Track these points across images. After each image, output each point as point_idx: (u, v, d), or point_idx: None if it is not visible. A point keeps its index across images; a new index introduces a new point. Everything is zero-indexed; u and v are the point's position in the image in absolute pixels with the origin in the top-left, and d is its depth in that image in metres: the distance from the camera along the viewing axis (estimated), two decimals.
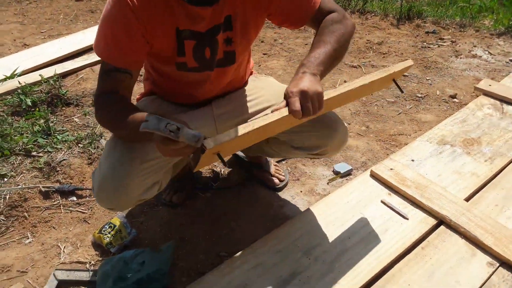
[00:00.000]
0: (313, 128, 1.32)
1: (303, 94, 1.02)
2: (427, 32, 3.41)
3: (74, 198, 1.76)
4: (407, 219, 1.57)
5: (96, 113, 1.19)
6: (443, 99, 2.54)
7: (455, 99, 2.53)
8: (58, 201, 1.74)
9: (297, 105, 1.01)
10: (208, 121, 1.40)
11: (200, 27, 1.18)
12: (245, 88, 1.50)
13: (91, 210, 1.72)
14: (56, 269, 1.43)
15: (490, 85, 2.39)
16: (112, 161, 1.19)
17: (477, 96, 2.38)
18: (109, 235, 1.51)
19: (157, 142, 0.96)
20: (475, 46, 3.20)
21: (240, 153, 1.92)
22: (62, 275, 1.41)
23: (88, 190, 1.79)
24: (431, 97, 2.55)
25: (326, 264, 1.39)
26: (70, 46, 2.93)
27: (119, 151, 1.20)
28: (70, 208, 1.72)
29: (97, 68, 2.72)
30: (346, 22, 1.24)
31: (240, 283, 1.32)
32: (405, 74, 2.79)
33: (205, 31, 1.19)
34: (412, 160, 1.85)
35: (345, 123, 1.40)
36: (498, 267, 1.39)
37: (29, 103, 2.22)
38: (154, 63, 1.31)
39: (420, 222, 1.56)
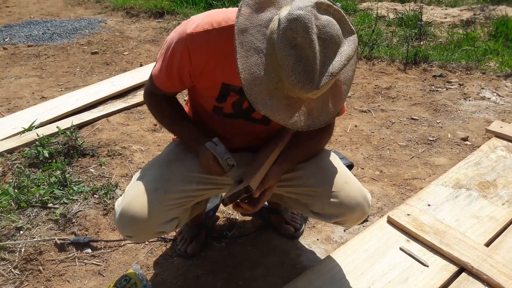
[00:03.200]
0: (336, 197, 1.32)
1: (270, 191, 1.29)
2: (434, 76, 3.46)
3: (89, 250, 1.75)
4: (427, 266, 1.53)
5: (147, 105, 1.44)
6: (455, 142, 2.54)
7: (467, 142, 2.53)
8: (73, 253, 1.74)
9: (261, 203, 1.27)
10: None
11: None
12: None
13: (106, 262, 1.71)
14: None
15: (501, 127, 2.40)
16: (136, 190, 1.29)
17: (489, 138, 2.38)
18: None
19: (206, 155, 1.26)
20: (483, 89, 3.23)
21: None
22: None
23: (103, 242, 1.78)
24: (442, 140, 2.56)
25: None
26: (86, 98, 3.02)
27: (145, 182, 1.31)
28: (85, 261, 1.71)
29: (112, 118, 2.79)
30: (330, 135, 1.43)
31: None
32: (415, 117, 2.82)
33: None
34: (429, 205, 1.84)
35: (368, 197, 1.38)
36: None
37: (46, 155, 2.27)
38: (196, 98, 1.42)
39: (441, 269, 1.52)
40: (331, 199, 1.32)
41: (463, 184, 1.98)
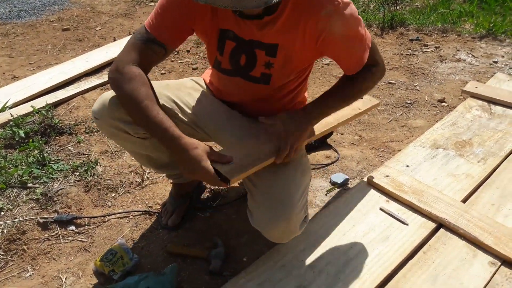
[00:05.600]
0: (263, 211, 1.26)
1: (291, 149, 1.25)
2: (411, 40, 3.48)
3: (73, 227, 1.75)
4: (407, 224, 1.58)
5: (114, 79, 1.25)
6: (432, 103, 2.58)
7: (443, 103, 2.57)
8: (57, 232, 1.73)
9: (282, 156, 1.24)
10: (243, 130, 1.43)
11: (243, 34, 1.26)
12: None
13: (91, 238, 1.71)
14: None
15: (476, 87, 2.44)
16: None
17: (465, 99, 2.43)
18: (111, 262, 1.50)
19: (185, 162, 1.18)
20: (458, 50, 3.26)
21: None
22: None
23: (86, 218, 1.78)
24: (420, 103, 2.59)
25: (331, 276, 1.39)
26: (60, 76, 2.94)
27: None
28: (70, 238, 1.71)
29: (88, 95, 2.74)
30: (377, 78, 1.37)
31: None
32: (393, 82, 2.84)
33: (247, 39, 1.27)
34: (407, 166, 1.88)
35: (298, 213, 1.27)
36: (500, 266, 1.41)
37: (22, 135, 2.22)
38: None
39: (420, 226, 1.57)
40: (260, 208, 1.27)
41: (440, 144, 2.02)
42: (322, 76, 2.97)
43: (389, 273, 1.40)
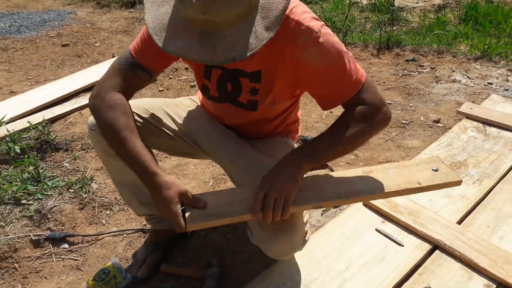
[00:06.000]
0: (268, 231, 1.22)
1: (269, 198, 1.08)
2: (407, 60, 3.52)
3: (66, 245, 1.73)
4: (402, 246, 1.58)
5: (94, 105, 1.21)
6: (427, 124, 2.60)
7: (439, 124, 2.59)
8: (50, 249, 1.71)
9: (257, 209, 1.09)
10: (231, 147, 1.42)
11: (227, 64, 1.20)
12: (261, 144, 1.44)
13: (84, 256, 1.69)
14: None
15: (471, 108, 2.46)
16: None
17: (460, 120, 2.44)
18: (103, 282, 1.48)
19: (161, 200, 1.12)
20: (453, 71, 3.30)
21: None
22: None
23: (80, 237, 1.76)
24: (415, 123, 2.61)
25: None
26: (58, 91, 2.95)
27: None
28: (62, 256, 1.69)
29: (85, 111, 2.74)
30: (374, 120, 1.18)
31: None
32: (388, 102, 2.86)
33: (231, 69, 1.26)
34: None
35: (296, 250, 1.29)
36: None
37: (18, 151, 2.21)
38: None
39: (416, 248, 1.57)
40: (261, 225, 1.22)
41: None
42: None
43: None
